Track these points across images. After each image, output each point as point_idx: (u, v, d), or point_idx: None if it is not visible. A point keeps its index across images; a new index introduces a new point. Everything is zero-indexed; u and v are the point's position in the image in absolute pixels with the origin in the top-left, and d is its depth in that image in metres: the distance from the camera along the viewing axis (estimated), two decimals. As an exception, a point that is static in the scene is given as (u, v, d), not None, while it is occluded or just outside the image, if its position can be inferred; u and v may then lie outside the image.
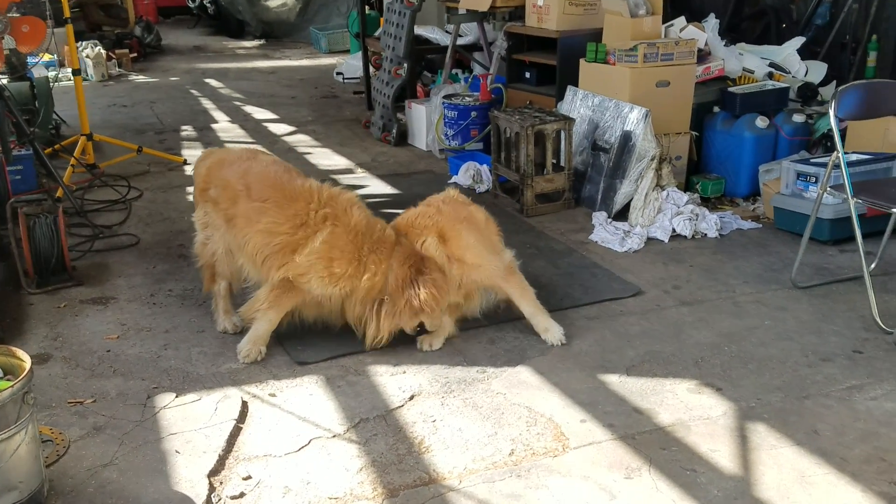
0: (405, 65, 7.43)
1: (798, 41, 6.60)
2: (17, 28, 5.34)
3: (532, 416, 3.36)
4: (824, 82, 6.47)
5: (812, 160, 5.21)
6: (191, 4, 15.25)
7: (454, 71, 8.46)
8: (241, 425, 3.31)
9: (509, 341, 3.96)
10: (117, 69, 11.29)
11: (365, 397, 3.51)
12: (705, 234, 5.26)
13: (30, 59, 8.27)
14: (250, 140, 7.78)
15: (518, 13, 7.08)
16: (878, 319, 3.95)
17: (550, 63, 6.65)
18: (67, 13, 6.41)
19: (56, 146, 6.54)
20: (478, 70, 8.03)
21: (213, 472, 3.01)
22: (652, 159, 5.42)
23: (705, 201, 5.79)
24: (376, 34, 8.75)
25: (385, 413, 3.39)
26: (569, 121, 5.69)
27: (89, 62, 10.76)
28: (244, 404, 3.45)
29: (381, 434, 3.25)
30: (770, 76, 6.20)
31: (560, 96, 6.30)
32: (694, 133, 5.93)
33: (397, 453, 3.13)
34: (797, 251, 4.51)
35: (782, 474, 2.98)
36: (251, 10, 14.32)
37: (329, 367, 3.75)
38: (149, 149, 6.99)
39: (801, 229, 4.58)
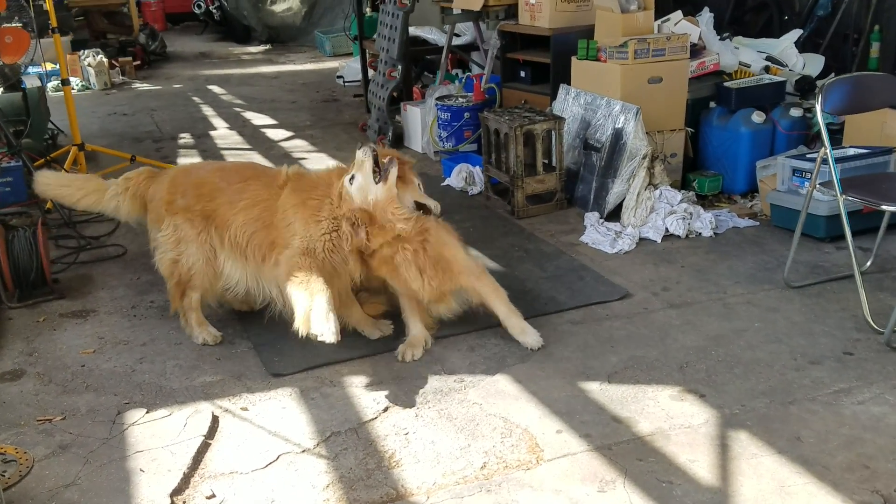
0: (399, 67, 7.36)
1: (795, 34, 6.45)
2: (1, 39, 5.32)
3: (507, 426, 3.27)
4: (823, 74, 6.31)
5: (808, 155, 5.07)
6: (197, 11, 15.27)
7: (454, 71, 8.39)
8: (210, 441, 3.25)
9: (489, 348, 3.87)
10: (120, 77, 11.31)
11: (338, 410, 3.43)
12: (699, 234, 5.14)
13: (32, 69, 8.30)
14: (247, 147, 7.74)
15: (512, 11, 6.98)
16: (869, 319, 3.83)
17: (544, 61, 6.56)
18: (55, 23, 6.38)
19: (48, 157, 6.51)
20: (475, 70, 7.94)
21: (177, 492, 2.95)
22: (644, 158, 5.30)
23: (702, 199, 5.66)
24: (375, 36, 8.68)
25: (357, 426, 3.32)
26: (559, 120, 5.59)
27: (91, 70, 10.79)
28: (215, 419, 3.39)
29: (351, 448, 3.17)
30: (767, 70, 6.06)
31: (555, 95, 6.20)
32: (689, 129, 5.81)
33: (366, 468, 3.05)
34: (791, 247, 4.38)
35: (761, 485, 2.87)
36: (256, 15, 14.32)
37: (304, 378, 3.68)
38: (143, 157, 6.95)
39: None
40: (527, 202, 5.58)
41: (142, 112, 9.37)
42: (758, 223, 5.27)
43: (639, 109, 5.29)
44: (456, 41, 8.11)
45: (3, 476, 3.00)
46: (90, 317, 4.36)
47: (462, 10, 7.32)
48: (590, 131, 5.66)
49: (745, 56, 6.14)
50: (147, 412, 3.44)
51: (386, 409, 3.42)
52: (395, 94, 7.63)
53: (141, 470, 3.06)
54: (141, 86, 11.12)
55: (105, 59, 10.96)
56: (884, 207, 3.75)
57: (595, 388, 3.51)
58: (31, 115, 6.80)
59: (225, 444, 3.23)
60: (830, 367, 3.59)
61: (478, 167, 6.17)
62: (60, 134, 7.70)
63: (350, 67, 10.42)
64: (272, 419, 3.38)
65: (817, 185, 4.11)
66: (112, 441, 3.25)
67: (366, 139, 7.74)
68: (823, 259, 4.69)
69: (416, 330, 3.87)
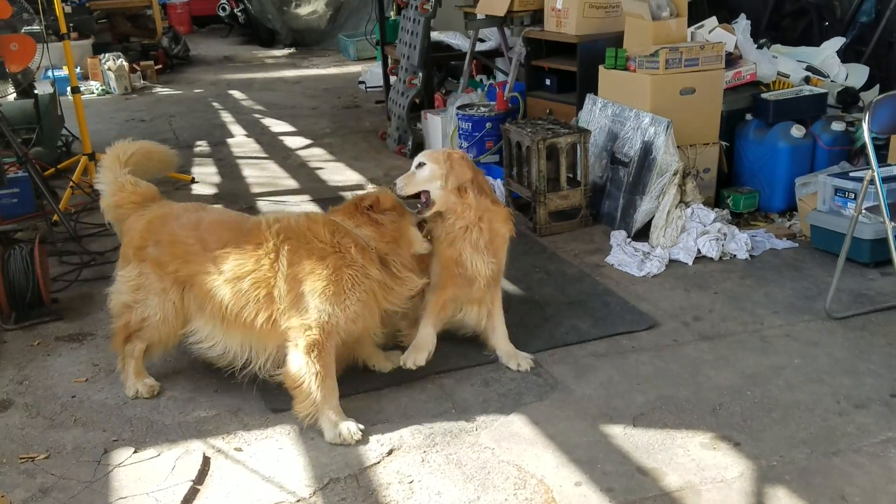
0: (420, 74, 7.11)
1: (837, 42, 6.09)
2: (6, 46, 5.14)
3: (521, 476, 2.99)
4: (868, 86, 5.95)
5: (851, 174, 4.75)
6: (221, 14, 15.14)
7: (479, 77, 8.11)
8: (199, 487, 3.01)
9: (505, 383, 3.60)
10: (141, 81, 11.17)
11: (339, 452, 3.18)
12: (734, 256, 4.83)
13: (56, 72, 8.16)
14: (263, 155, 7.53)
15: (537, 17, 6.69)
16: (921, 359, 3.51)
17: (571, 70, 6.27)
18: (63, 28, 6.20)
19: (58, 166, 6.34)
20: (499, 78, 7.66)
21: (158, 546, 2.72)
22: (674, 174, 5.00)
23: (737, 217, 5.35)
24: (396, 42, 8.45)
25: (358, 471, 3.06)
26: (584, 133, 5.30)
27: (111, 75, 10.66)
28: (206, 461, 3.15)
29: (350, 498, 2.91)
30: (807, 80, 5.72)
31: (581, 105, 5.92)
32: (724, 143, 5.49)
33: (366, 522, 2.80)
34: (835, 274, 4.07)
35: (803, 554, 2.58)
36: (281, 18, 14.16)
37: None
38: (154, 167, 6.75)
39: (840, 249, 4.11)
40: (549, 219, 5.30)
41: (160, 118, 9.21)
42: (797, 245, 4.94)
43: (669, 122, 5.00)
44: (481, 46, 7.84)
45: (-24, 524, 2.79)
46: (86, 341, 4.15)
47: (486, 15, 7.05)
48: (617, 144, 5.37)
49: (784, 66, 5.81)
50: (135, 451, 3.21)
51: (390, 452, 3.16)
52: (417, 100, 7.39)
53: (122, 520, 2.83)
54: (162, 90, 10.97)
55: (125, 64, 10.83)
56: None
57: (619, 433, 3.22)
58: (42, 122, 6.65)
59: (214, 490, 2.99)
60: (877, 412, 3.27)
61: (499, 180, 5.89)
62: (76, 141, 7.54)
63: (373, 73, 10.20)
64: (267, 462, 3.14)
65: (863, 210, 3.79)
66: (95, 485, 3.02)
67: (385, 148, 7.51)
68: (868, 287, 4.36)
69: (427, 332, 3.61)
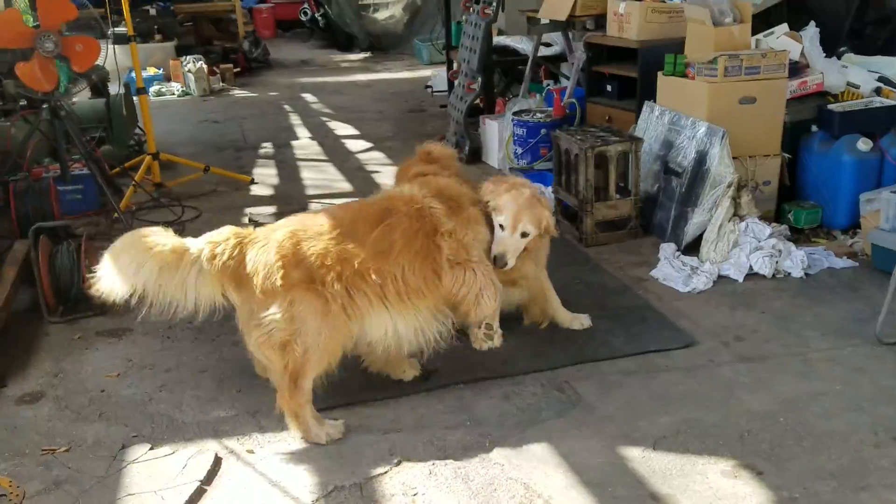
0: (479, 79, 7.05)
1: (915, 50, 5.76)
2: (71, 47, 5.29)
3: (528, 495, 2.91)
4: (947, 98, 5.60)
5: (918, 191, 4.48)
6: (303, 18, 15.40)
7: (547, 82, 8.00)
8: (207, 487, 3.03)
9: (525, 398, 3.51)
10: (220, 84, 11.43)
11: (347, 459, 3.15)
12: (788, 274, 4.61)
13: (129, 74, 8.42)
14: (323, 158, 7.60)
15: (600, 22, 6.57)
16: (973, 392, 3.26)
17: (631, 76, 6.11)
18: (131, 31, 6.38)
19: (123, 165, 6.52)
20: (562, 83, 7.54)
21: (157, 545, 2.74)
22: (728, 186, 4.81)
23: (798, 232, 5.11)
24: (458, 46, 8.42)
25: (364, 481, 3.02)
26: (636, 141, 5.15)
27: (191, 77, 10.94)
28: (217, 461, 3.16)
29: (351, 508, 2.88)
30: (878, 92, 5.42)
31: (640, 112, 5.76)
32: (786, 155, 5.25)
33: (363, 533, 2.76)
34: (886, 297, 3.83)
35: None
36: (359, 22, 14.31)
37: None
38: (217, 167, 6.89)
39: (899, 271, 3.87)
40: (596, 229, 5.17)
41: (232, 120, 9.40)
42: (857, 264, 4.69)
43: (725, 133, 4.81)
44: (547, 51, 7.75)
45: (-11, 512, 2.87)
46: (125, 336, 4.24)
47: (549, 19, 6.96)
48: (671, 153, 5.20)
49: (855, 76, 5.52)
50: (151, 448, 3.26)
51: (398, 463, 3.11)
52: (480, 104, 7.34)
53: (126, 516, 2.87)
54: (238, 93, 11.21)
55: (205, 66, 11.10)
56: None
57: (637, 456, 3.09)
58: (113, 121, 6.86)
59: (220, 492, 3.00)
60: (919, 447, 3.06)
61: (549, 188, 5.78)
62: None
63: (441, 77, 10.16)
64: (276, 466, 3.13)
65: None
66: (107, 480, 3.06)
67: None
68: (928, 311, 4.09)
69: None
